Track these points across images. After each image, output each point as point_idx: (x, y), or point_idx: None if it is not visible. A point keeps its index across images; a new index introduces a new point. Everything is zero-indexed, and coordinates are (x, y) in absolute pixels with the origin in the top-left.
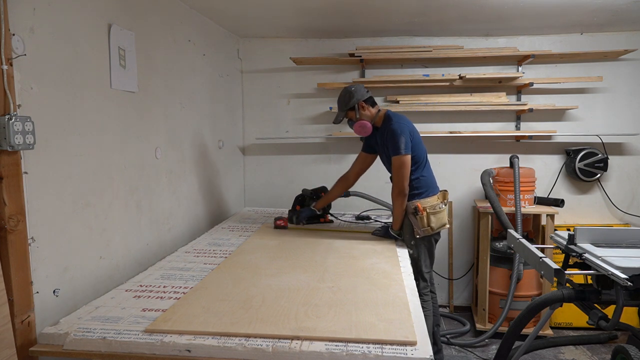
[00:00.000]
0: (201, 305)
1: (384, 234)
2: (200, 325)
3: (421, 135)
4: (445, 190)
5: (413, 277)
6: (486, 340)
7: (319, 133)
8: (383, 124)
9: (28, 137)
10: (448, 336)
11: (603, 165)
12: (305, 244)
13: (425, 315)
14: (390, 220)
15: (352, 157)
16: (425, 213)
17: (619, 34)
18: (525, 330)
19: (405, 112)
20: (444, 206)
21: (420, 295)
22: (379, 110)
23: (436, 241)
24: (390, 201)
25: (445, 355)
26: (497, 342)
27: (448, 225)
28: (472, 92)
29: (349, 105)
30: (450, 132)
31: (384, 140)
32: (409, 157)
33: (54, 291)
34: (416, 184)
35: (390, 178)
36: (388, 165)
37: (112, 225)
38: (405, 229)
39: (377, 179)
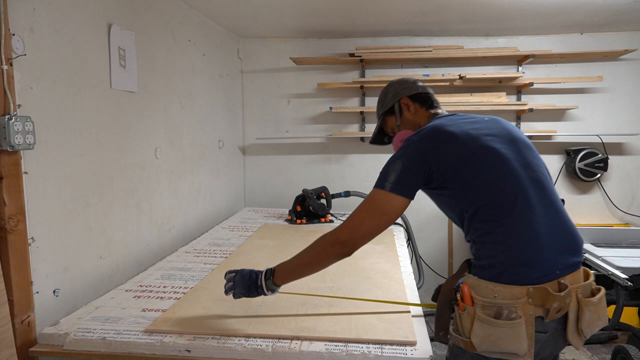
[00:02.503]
0: (201, 305)
1: (244, 289)
2: (200, 326)
3: None
4: (564, 280)
5: (413, 276)
6: None
7: (319, 133)
8: None
9: (28, 137)
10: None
11: (603, 165)
12: (305, 244)
13: None
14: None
15: (352, 157)
16: (470, 311)
17: (619, 34)
18: None
19: None
20: (517, 318)
21: None
22: (436, 115)
23: None
24: None
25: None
26: None
27: (527, 358)
28: (472, 92)
29: (385, 106)
30: None
31: None
32: (399, 200)
33: (54, 291)
34: (479, 247)
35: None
36: (446, 208)
37: (112, 225)
38: (442, 318)
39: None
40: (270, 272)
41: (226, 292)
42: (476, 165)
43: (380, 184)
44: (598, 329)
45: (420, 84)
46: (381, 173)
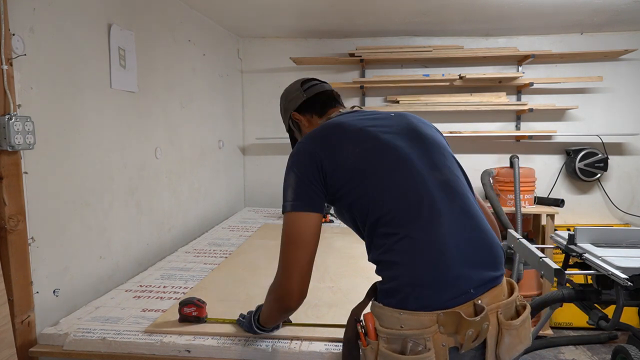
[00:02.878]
0: None
1: (247, 328)
2: (200, 326)
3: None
4: (479, 300)
5: None
6: None
7: None
8: None
9: (28, 137)
10: None
11: (603, 165)
12: None
13: None
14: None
15: None
16: (373, 346)
17: (619, 34)
18: None
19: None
20: (427, 350)
21: None
22: (329, 117)
23: None
24: None
25: None
26: None
27: None
28: (472, 92)
29: (285, 123)
30: (450, 132)
31: None
32: (309, 217)
33: (54, 291)
34: (385, 266)
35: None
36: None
37: (112, 225)
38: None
39: None
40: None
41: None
42: (373, 167)
43: (284, 206)
44: (518, 353)
45: (307, 86)
46: (283, 193)
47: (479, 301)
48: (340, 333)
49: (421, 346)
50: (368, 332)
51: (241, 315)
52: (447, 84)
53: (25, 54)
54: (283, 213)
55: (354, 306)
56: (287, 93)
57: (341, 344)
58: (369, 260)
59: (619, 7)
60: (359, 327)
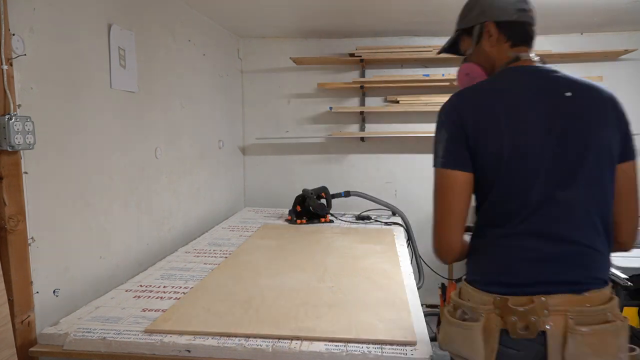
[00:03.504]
0: (201, 305)
1: None
2: (200, 326)
3: (420, 135)
4: (542, 298)
5: (413, 276)
6: None
7: (319, 133)
8: None
9: (28, 137)
10: None
11: None
12: (305, 244)
13: None
14: (391, 220)
15: (352, 157)
16: (445, 307)
17: (619, 34)
18: None
19: (405, 112)
20: (475, 321)
21: None
22: (517, 60)
23: None
24: (390, 201)
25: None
26: None
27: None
28: None
29: (466, 21)
30: None
31: None
32: (456, 174)
33: (54, 291)
34: (473, 241)
35: None
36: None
37: (112, 225)
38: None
39: (378, 179)
40: None
41: None
42: (491, 137)
43: (434, 161)
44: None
45: (522, 7)
46: (434, 146)
47: (542, 298)
48: (340, 333)
49: (468, 315)
50: (446, 297)
51: None
52: (447, 84)
53: (25, 54)
54: (434, 167)
55: (354, 306)
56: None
57: (341, 343)
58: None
59: (619, 7)
60: (439, 291)
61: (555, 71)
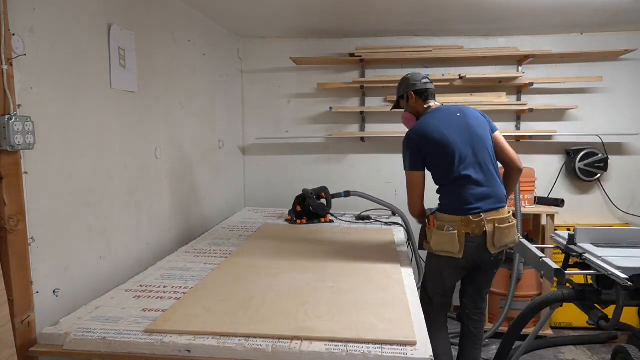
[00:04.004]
0: (201, 305)
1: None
2: (200, 325)
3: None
4: (480, 216)
5: (413, 277)
6: (486, 340)
7: (319, 133)
8: None
9: (28, 137)
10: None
11: (603, 165)
12: (305, 244)
13: (438, 343)
14: (391, 220)
15: (352, 157)
16: (430, 227)
17: (619, 34)
18: (525, 330)
19: None
20: (452, 230)
21: (428, 319)
22: (428, 106)
23: (452, 267)
24: (390, 201)
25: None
26: (497, 342)
27: (457, 256)
28: (472, 92)
29: (399, 92)
30: None
31: None
32: (417, 174)
33: (54, 291)
34: (441, 199)
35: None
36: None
37: (112, 225)
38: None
39: (378, 179)
40: None
41: None
42: (437, 150)
43: (404, 166)
44: (505, 244)
45: (425, 80)
46: (404, 157)
47: (482, 215)
48: (340, 333)
49: (450, 228)
50: (430, 222)
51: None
52: (447, 84)
53: (25, 54)
54: (405, 169)
55: (354, 306)
56: (412, 77)
57: (341, 343)
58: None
59: (619, 7)
60: (426, 221)
61: (449, 106)
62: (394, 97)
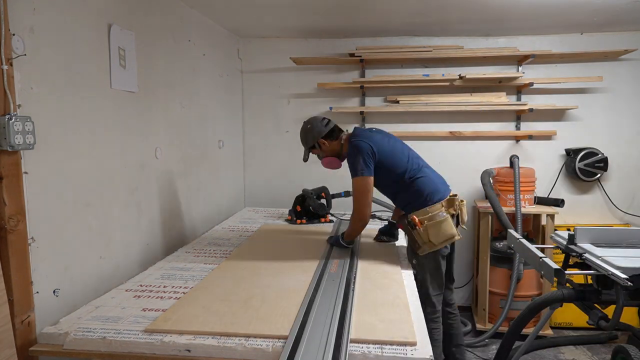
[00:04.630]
0: (201, 305)
1: (334, 242)
2: (200, 325)
3: (421, 135)
4: (454, 196)
5: (413, 277)
6: (486, 340)
7: None
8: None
9: (28, 137)
10: None
11: (603, 165)
12: (305, 244)
13: (434, 339)
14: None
15: None
16: (422, 226)
17: (619, 34)
18: (525, 330)
19: (405, 112)
20: (445, 215)
21: (427, 322)
22: (341, 139)
23: (444, 257)
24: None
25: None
26: (497, 342)
27: (458, 237)
28: (472, 92)
29: (308, 144)
30: (450, 132)
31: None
32: (369, 179)
33: (54, 291)
34: (407, 197)
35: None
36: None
37: (112, 225)
38: (407, 247)
39: None
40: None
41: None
42: (388, 151)
43: (356, 173)
44: (466, 218)
45: (326, 121)
46: (352, 167)
47: (451, 196)
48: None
49: (443, 215)
50: (416, 224)
51: (329, 238)
52: (447, 84)
53: (25, 54)
54: (357, 176)
55: (354, 306)
56: (314, 125)
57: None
58: (395, 198)
59: (619, 7)
60: (407, 222)
61: (361, 129)
62: (395, 97)
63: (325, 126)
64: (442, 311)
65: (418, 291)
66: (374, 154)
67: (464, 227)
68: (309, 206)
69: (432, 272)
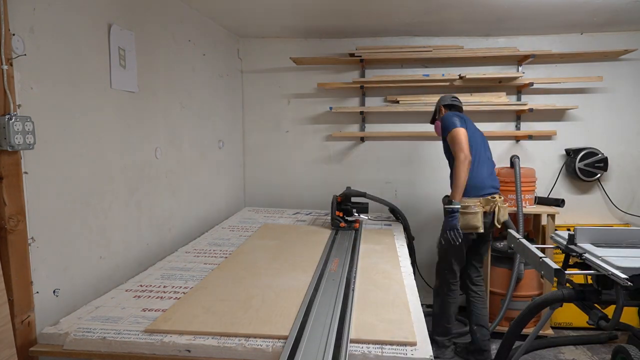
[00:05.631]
0: (201, 305)
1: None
2: (200, 325)
3: (420, 135)
4: (494, 196)
5: (413, 277)
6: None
7: (319, 133)
8: None
9: (28, 137)
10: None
11: (603, 165)
12: (306, 244)
13: (447, 302)
14: (392, 220)
15: (352, 157)
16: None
17: (619, 34)
18: (525, 330)
19: (405, 112)
20: (477, 209)
21: (447, 285)
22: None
23: (468, 240)
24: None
25: (445, 355)
26: (497, 342)
27: (480, 230)
28: (472, 92)
29: (436, 107)
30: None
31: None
32: (461, 129)
33: (54, 291)
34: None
35: (450, 166)
36: (450, 161)
37: (112, 225)
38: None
39: (378, 179)
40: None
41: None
42: (469, 132)
43: (453, 126)
44: (504, 219)
45: (452, 97)
46: (447, 125)
47: (490, 197)
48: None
49: (474, 209)
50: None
51: (445, 219)
52: (447, 84)
53: (25, 54)
54: (454, 128)
55: (354, 306)
56: (445, 97)
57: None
58: (451, 178)
59: (619, 7)
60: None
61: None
62: (395, 97)
63: (450, 100)
64: (467, 288)
65: (440, 258)
66: (461, 120)
67: (498, 225)
68: (347, 209)
69: (454, 247)
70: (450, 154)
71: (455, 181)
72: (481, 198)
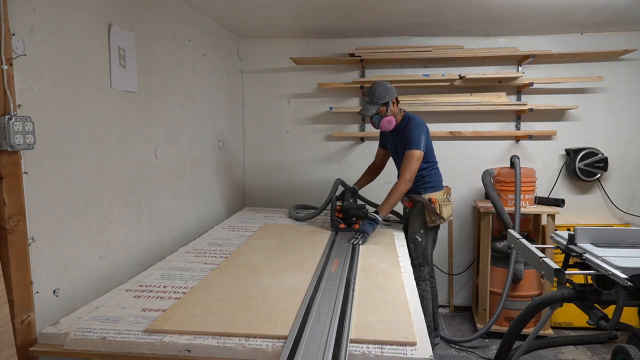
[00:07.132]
0: (201, 305)
1: (365, 228)
2: (200, 325)
3: None
4: (448, 187)
5: (412, 277)
6: (486, 340)
7: (318, 133)
8: (402, 123)
9: (28, 137)
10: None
11: (603, 165)
12: (306, 244)
13: (427, 297)
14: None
15: (352, 157)
16: (437, 204)
17: (619, 34)
18: (525, 330)
19: None
20: (450, 199)
21: (423, 280)
22: (401, 110)
23: (436, 233)
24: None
25: (445, 355)
26: (497, 342)
27: (452, 218)
28: (472, 92)
29: (384, 99)
30: (450, 132)
31: (402, 137)
32: (422, 154)
33: (54, 291)
34: (429, 178)
35: (399, 171)
36: (399, 160)
37: (112, 225)
38: (414, 220)
39: (378, 179)
40: (375, 212)
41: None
42: (430, 140)
43: (418, 146)
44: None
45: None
46: (415, 141)
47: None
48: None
49: (449, 198)
50: (434, 202)
51: (355, 233)
52: (447, 84)
53: (25, 54)
54: (418, 149)
55: (354, 306)
56: (392, 87)
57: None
58: (420, 180)
59: (619, 7)
60: (429, 201)
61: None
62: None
63: (395, 91)
64: (429, 276)
65: (417, 255)
66: (426, 135)
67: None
68: (350, 211)
69: (433, 240)
70: (400, 150)
71: (391, 198)
72: (444, 189)
